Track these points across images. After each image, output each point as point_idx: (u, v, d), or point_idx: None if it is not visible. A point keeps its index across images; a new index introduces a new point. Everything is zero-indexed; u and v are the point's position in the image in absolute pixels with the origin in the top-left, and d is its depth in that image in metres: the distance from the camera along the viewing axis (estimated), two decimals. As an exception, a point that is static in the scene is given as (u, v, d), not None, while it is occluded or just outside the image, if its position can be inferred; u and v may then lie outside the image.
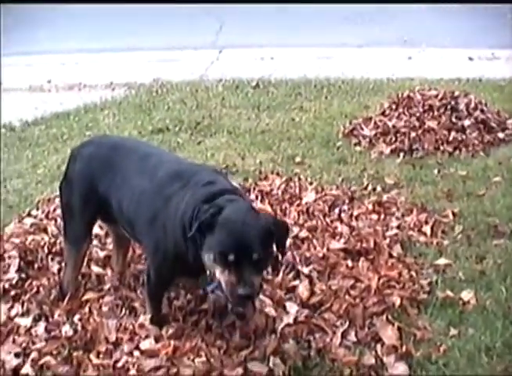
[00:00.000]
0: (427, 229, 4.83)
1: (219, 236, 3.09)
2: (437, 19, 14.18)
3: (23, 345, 3.54)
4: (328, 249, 4.37)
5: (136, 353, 3.39)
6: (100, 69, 11.74)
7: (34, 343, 3.55)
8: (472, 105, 7.18)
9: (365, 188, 5.65)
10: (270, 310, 3.70)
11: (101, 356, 3.42)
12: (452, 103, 7.13)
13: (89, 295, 3.96)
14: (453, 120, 6.93)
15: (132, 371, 3.26)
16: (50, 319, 3.77)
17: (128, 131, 7.59)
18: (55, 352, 3.46)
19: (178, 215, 3.32)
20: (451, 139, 6.67)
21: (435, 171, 6.04)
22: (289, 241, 4.42)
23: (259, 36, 13.35)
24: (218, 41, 13.01)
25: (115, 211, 3.72)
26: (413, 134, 6.72)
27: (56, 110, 8.95)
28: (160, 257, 3.46)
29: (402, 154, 6.48)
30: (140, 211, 3.54)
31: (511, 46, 11.35)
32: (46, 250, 4.44)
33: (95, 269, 4.27)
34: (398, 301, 3.83)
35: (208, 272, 3.20)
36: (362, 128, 7.08)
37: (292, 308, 3.71)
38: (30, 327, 3.70)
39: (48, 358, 3.42)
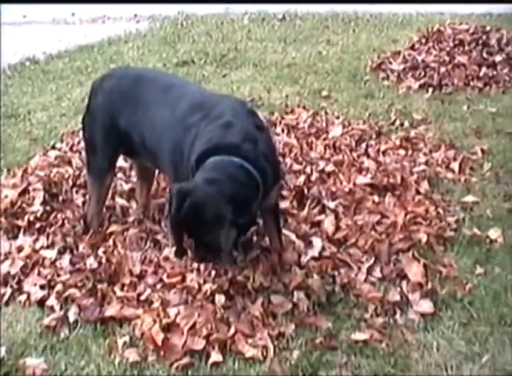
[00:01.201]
0: (454, 165, 4.76)
1: None
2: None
3: (48, 277, 3.55)
4: (354, 184, 4.32)
5: (160, 286, 3.40)
6: (124, 1, 11.59)
7: (58, 275, 3.56)
8: (504, 40, 7.07)
9: (393, 123, 5.58)
10: (296, 244, 3.69)
11: (125, 288, 3.42)
12: (484, 37, 7.02)
13: (113, 228, 3.95)
14: (484, 55, 6.82)
15: (156, 304, 3.26)
16: (75, 252, 3.77)
17: (152, 63, 7.55)
18: (79, 285, 3.46)
19: (191, 150, 3.27)
20: (481, 74, 6.56)
21: (464, 108, 5.93)
22: (315, 175, 4.40)
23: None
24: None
25: (137, 143, 3.68)
26: (443, 69, 6.61)
27: (80, 43, 8.90)
28: None
29: (430, 89, 6.38)
30: (162, 142, 3.49)
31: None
32: (70, 182, 4.43)
33: (120, 201, 4.26)
34: (424, 238, 3.78)
35: None
36: (390, 62, 6.99)
37: (317, 242, 3.68)
38: (55, 260, 3.70)
39: (72, 290, 3.42)
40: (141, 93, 3.67)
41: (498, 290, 3.43)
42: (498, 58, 6.78)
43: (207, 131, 3.26)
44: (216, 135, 3.23)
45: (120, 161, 4.51)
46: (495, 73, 6.60)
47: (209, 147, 3.19)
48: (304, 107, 5.84)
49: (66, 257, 3.71)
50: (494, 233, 3.91)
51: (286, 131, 5.22)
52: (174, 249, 3.55)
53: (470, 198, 4.34)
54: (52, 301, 3.39)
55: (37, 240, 3.89)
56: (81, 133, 4.50)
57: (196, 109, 3.41)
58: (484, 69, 6.62)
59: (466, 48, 6.90)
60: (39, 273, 3.60)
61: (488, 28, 7.25)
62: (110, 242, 3.81)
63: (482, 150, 5.01)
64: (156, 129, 3.53)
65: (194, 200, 3.02)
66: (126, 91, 3.72)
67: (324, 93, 6.35)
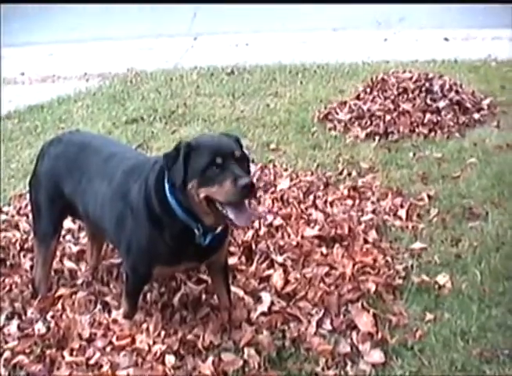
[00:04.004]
0: (402, 213, 4.82)
1: (200, 153, 3.12)
2: (412, 0, 14.14)
3: (-4, 344, 3.50)
4: (302, 237, 4.35)
5: (109, 349, 3.37)
6: (74, 60, 11.63)
7: (6, 342, 3.51)
8: (447, 86, 7.17)
9: (341, 173, 5.63)
10: (245, 300, 3.69)
11: (74, 353, 3.38)
12: (427, 84, 7.12)
13: (62, 291, 3.92)
14: (428, 102, 6.91)
15: (105, 367, 3.23)
16: (23, 317, 3.73)
17: (102, 122, 7.51)
18: (28, 351, 3.42)
19: (142, 201, 3.32)
20: (426, 121, 6.66)
21: (410, 154, 6.03)
22: (263, 230, 4.42)
23: (234, 22, 13.29)
24: (193, 28, 12.96)
25: (82, 212, 3.71)
26: (388, 117, 6.69)
27: (30, 103, 8.83)
28: (134, 254, 3.42)
29: (377, 138, 6.46)
30: (105, 215, 3.52)
31: (486, 26, 11.36)
32: (18, 247, 4.41)
33: (68, 264, 4.23)
34: (373, 288, 3.82)
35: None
36: (337, 113, 7.06)
37: (266, 298, 3.69)
38: (3, 326, 3.65)
39: (21, 357, 3.38)
40: (85, 163, 3.69)
41: (448, 336, 3.47)
42: (441, 104, 6.89)
43: (145, 179, 3.36)
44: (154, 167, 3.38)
45: (69, 223, 4.49)
46: (439, 119, 6.70)
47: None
48: (252, 161, 5.85)
49: (14, 323, 3.67)
50: (442, 279, 3.98)
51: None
52: (122, 311, 3.56)
53: (417, 245, 4.41)
54: (-1, 368, 3.33)
55: (-16, 306, 3.84)
56: (28, 196, 4.48)
57: (128, 175, 3.47)
58: (428, 115, 6.72)
59: (410, 95, 6.98)
60: (-14, 340, 3.54)
61: (430, 75, 7.36)
62: (59, 306, 3.78)
63: (429, 196, 5.09)
64: (97, 202, 3.57)
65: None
66: (71, 159, 3.75)
67: (272, 146, 6.40)
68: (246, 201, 3.18)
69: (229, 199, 3.05)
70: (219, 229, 3.26)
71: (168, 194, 3.23)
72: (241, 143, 3.33)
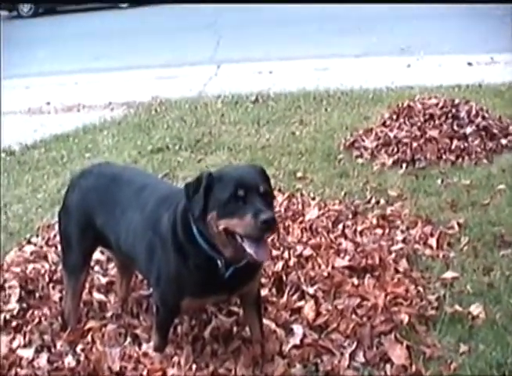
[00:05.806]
0: (432, 241, 4.76)
1: (222, 185, 3.10)
2: (434, 26, 14.15)
3: (26, 378, 3.48)
4: (333, 267, 4.29)
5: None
6: (99, 89, 11.73)
7: (36, 376, 3.49)
8: (473, 112, 7.11)
9: (369, 201, 5.58)
10: (277, 333, 3.65)
11: (105, 386, 3.36)
12: (453, 110, 7.06)
13: (91, 324, 3.89)
14: (455, 128, 6.85)
15: (137, 402, 3.19)
16: (53, 350, 3.71)
17: (127, 151, 7.54)
18: (58, 385, 3.40)
19: (170, 230, 3.33)
20: (453, 147, 6.60)
21: (438, 182, 5.97)
22: (293, 261, 4.37)
23: (257, 50, 13.35)
24: (216, 56, 13.04)
25: (114, 243, 3.70)
26: (415, 144, 6.63)
27: (56, 132, 8.90)
28: (163, 286, 3.40)
29: (404, 165, 6.40)
30: (137, 245, 3.52)
31: (510, 50, 11.32)
32: (47, 278, 4.39)
33: (97, 295, 4.21)
34: (406, 319, 3.75)
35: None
36: (363, 140, 7.02)
37: (298, 330, 3.64)
38: (33, 359, 3.62)
39: (51, 391, 3.36)
40: (117, 194, 3.69)
41: (483, 368, 3.41)
42: (468, 130, 6.83)
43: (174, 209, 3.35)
44: None
45: (97, 254, 4.48)
46: (466, 145, 6.64)
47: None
48: (279, 190, 5.82)
49: (44, 356, 3.64)
50: (476, 309, 3.90)
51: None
52: (153, 344, 3.53)
53: (449, 274, 4.34)
54: (29, 403, 3.31)
55: (13, 339, 3.82)
56: (56, 226, 4.49)
57: (160, 204, 3.49)
58: (455, 142, 6.66)
59: (437, 122, 6.93)
60: (16, 374, 3.51)
61: (456, 101, 7.30)
62: (89, 338, 3.75)
63: (459, 224, 5.02)
64: (129, 232, 3.56)
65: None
66: (103, 191, 3.74)
67: (299, 174, 6.35)
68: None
69: (249, 233, 3.02)
70: (243, 262, 3.19)
71: (192, 224, 3.22)
72: (266, 174, 3.30)
